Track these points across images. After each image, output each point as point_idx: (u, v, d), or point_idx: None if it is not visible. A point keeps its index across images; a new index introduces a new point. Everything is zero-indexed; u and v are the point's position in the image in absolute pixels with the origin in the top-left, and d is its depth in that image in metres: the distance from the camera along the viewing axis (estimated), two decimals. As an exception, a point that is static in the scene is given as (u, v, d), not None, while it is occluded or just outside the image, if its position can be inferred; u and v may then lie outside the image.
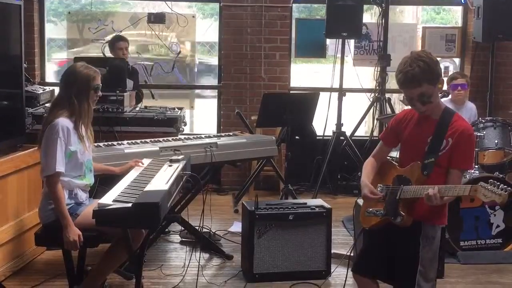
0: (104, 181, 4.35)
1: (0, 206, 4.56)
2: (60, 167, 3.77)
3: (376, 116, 7.25)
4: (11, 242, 4.68)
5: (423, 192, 3.21)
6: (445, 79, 6.31)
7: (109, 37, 7.17)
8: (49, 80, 7.59)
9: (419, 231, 3.35)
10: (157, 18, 7.35)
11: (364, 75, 7.89)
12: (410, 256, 3.36)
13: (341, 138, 7.21)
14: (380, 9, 7.24)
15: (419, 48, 7.64)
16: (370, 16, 8.00)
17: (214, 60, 8.12)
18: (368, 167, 3.56)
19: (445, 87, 6.36)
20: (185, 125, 6.15)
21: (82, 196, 3.99)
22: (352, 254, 4.44)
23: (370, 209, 3.48)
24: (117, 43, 6.61)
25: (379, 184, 3.49)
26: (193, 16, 7.83)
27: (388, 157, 3.76)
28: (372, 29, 7.48)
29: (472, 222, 5.22)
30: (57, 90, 4.46)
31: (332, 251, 4.81)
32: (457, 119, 3.36)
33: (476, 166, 5.41)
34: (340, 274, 4.67)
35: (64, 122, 3.83)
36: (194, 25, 7.76)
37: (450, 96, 6.23)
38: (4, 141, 4.90)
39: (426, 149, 3.32)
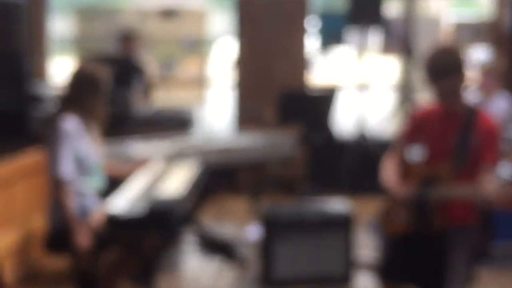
0: (115, 184, 4.20)
1: (6, 211, 4.44)
2: (67, 170, 3.69)
3: (400, 113, 7.13)
4: (19, 247, 4.54)
5: (460, 193, 3.20)
6: (475, 70, 6.19)
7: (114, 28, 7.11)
8: (56, 79, 7.54)
9: (449, 234, 3.27)
10: (167, 13, 7.29)
11: (388, 70, 7.83)
12: (439, 261, 3.27)
13: (363, 136, 7.04)
14: (405, 1, 7.13)
15: (446, 41, 7.55)
16: (393, 8, 7.90)
17: (229, 55, 8.06)
18: (389, 167, 3.50)
19: (474, 79, 6.24)
20: (198, 124, 6.07)
21: (92, 199, 3.88)
22: (375, 260, 4.32)
23: (395, 214, 3.38)
24: (127, 39, 6.51)
25: (403, 186, 3.38)
26: (205, 11, 7.75)
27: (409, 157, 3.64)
28: (395, 22, 7.35)
29: (507, 224, 5.06)
30: (64, 89, 4.40)
31: (354, 256, 4.72)
32: (483, 115, 3.31)
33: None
34: (362, 280, 4.61)
35: (72, 123, 3.75)
36: (207, 20, 7.68)
37: (478, 88, 6.08)
38: (9, 142, 4.83)
39: (453, 147, 3.26)
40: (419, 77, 7.09)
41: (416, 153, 3.70)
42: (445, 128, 3.33)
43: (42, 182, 4.79)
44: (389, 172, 3.47)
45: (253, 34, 7.32)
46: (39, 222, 4.70)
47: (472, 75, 3.45)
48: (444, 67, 3.18)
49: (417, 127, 3.47)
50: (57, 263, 4.86)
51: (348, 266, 4.63)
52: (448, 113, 3.33)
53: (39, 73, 7.25)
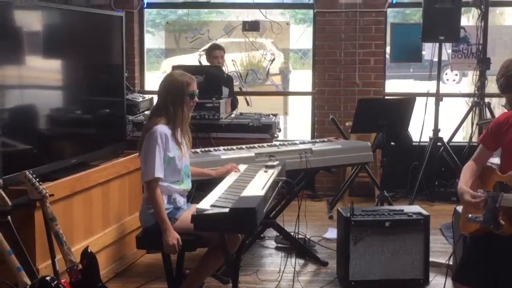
0: (201, 186, 4.43)
1: (104, 210, 4.74)
2: (159, 172, 3.85)
3: (475, 121, 7.06)
4: (114, 244, 4.85)
5: None
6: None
7: (205, 46, 7.31)
8: (148, 88, 7.81)
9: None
10: (251, 26, 7.43)
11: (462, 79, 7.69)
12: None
13: (438, 144, 7.05)
14: (479, 12, 7.04)
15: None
16: (467, 19, 7.80)
17: (307, 66, 8.13)
18: (468, 172, 3.50)
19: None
20: (279, 131, 6.19)
21: (181, 201, 4.07)
22: (451, 263, 4.35)
23: (470, 215, 3.39)
24: (213, 51, 6.72)
25: (479, 190, 3.41)
26: (287, 23, 7.88)
27: (489, 163, 3.66)
28: (470, 32, 7.27)
29: None
30: (155, 98, 4.60)
31: (430, 259, 4.70)
32: None
33: None
34: (438, 283, 4.56)
35: (162, 129, 3.91)
36: (288, 32, 7.80)
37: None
38: (107, 147, 5.11)
39: None
40: (494, 85, 6.98)
41: (495, 159, 3.72)
42: None
43: (135, 184, 5.09)
44: (466, 176, 3.48)
45: (330, 45, 7.40)
46: (132, 221, 5.00)
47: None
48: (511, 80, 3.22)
49: (498, 131, 3.45)
50: (148, 259, 5.17)
51: (426, 268, 4.60)
52: None
53: (134, 82, 7.57)
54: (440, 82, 7.12)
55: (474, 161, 3.54)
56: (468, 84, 7.82)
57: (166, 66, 9.67)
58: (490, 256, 3.34)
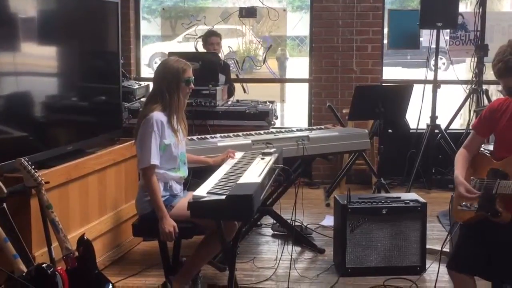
0: (198, 174, 4.43)
1: (100, 197, 4.73)
2: (154, 159, 3.83)
3: (473, 108, 7.05)
4: (110, 232, 4.84)
5: None
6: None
7: (197, 28, 7.26)
8: (144, 75, 7.77)
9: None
10: (248, 13, 7.38)
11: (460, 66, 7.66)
12: (510, 252, 3.25)
13: (436, 131, 7.05)
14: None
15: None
16: (465, 5, 7.77)
17: (304, 53, 8.11)
18: (461, 160, 3.49)
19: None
20: (276, 118, 6.18)
21: (177, 188, 4.05)
22: (448, 250, 4.35)
23: (464, 203, 3.39)
24: (210, 38, 6.69)
25: (472, 177, 3.41)
26: (284, 10, 7.84)
27: (486, 150, 3.65)
28: (468, 18, 7.25)
29: None
30: (151, 85, 4.58)
31: (427, 246, 4.70)
32: None
33: None
34: (435, 270, 4.50)
35: (158, 116, 3.89)
36: (285, 19, 7.77)
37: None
38: (103, 134, 5.09)
39: None
40: (492, 72, 6.98)
41: (490, 145, 3.71)
42: None
43: (132, 171, 5.08)
44: (460, 164, 3.47)
45: (327, 31, 7.36)
46: (128, 208, 4.99)
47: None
48: (509, 65, 3.19)
49: (491, 117, 3.44)
50: (144, 247, 5.16)
51: (423, 255, 4.61)
52: None
53: (130, 69, 7.53)
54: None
55: (466, 148, 3.54)
56: (465, 71, 7.78)
57: (144, 53, 9.72)
58: (484, 243, 3.33)
